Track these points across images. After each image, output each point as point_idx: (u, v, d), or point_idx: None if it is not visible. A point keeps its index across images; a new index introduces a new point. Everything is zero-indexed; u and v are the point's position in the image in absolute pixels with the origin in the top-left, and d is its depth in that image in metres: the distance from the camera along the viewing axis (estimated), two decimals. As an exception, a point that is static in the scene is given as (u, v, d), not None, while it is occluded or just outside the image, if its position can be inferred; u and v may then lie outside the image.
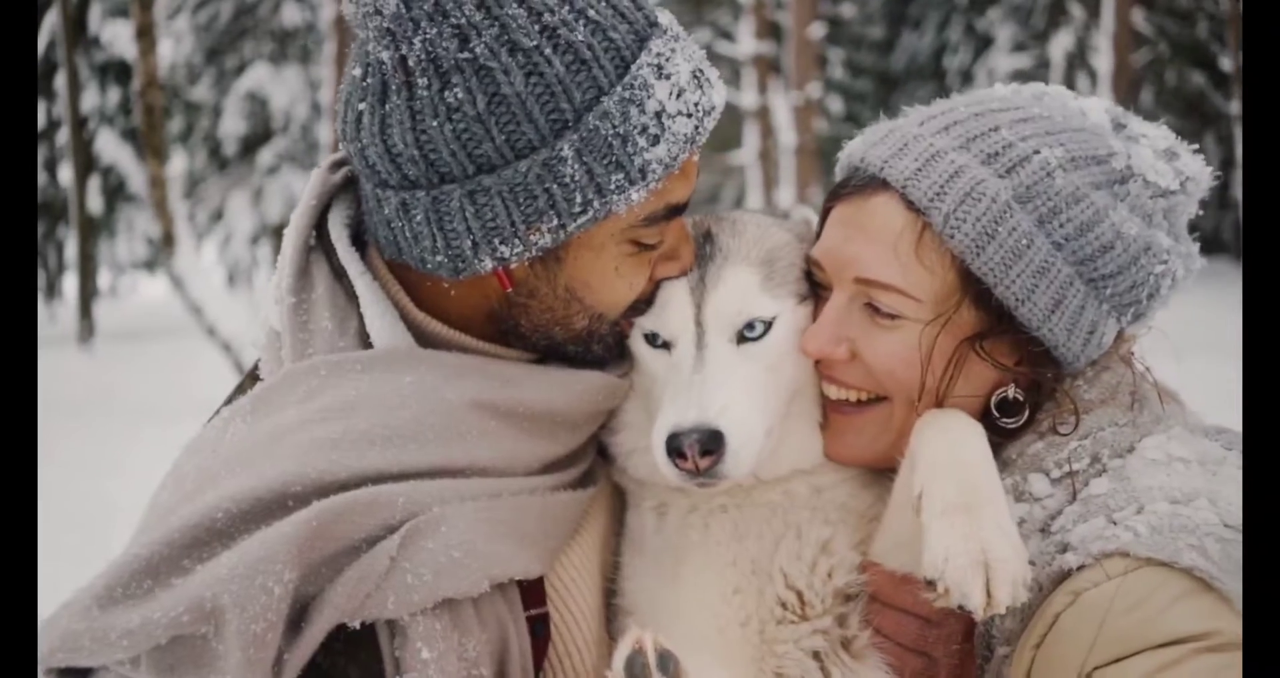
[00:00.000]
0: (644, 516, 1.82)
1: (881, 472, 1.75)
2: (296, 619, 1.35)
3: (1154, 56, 21.66)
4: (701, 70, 1.61)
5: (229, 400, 1.66)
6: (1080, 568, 1.48)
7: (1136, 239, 1.67)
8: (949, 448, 1.54)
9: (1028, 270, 1.63)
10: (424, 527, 1.44)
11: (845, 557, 1.71)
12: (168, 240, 12.61)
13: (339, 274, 1.67)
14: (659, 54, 1.56)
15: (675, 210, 1.65)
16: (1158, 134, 1.76)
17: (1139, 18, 19.95)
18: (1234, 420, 1.71)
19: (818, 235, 1.83)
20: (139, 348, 21.85)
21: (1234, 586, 1.42)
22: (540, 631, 1.60)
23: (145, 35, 13.63)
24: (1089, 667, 1.43)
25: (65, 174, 23.01)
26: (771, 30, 20.34)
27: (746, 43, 19.80)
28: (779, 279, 1.77)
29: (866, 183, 1.73)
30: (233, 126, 28.51)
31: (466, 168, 1.51)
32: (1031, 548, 1.56)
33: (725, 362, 1.70)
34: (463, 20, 1.47)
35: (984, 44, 24.88)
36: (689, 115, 1.57)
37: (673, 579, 1.72)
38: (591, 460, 1.81)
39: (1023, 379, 1.70)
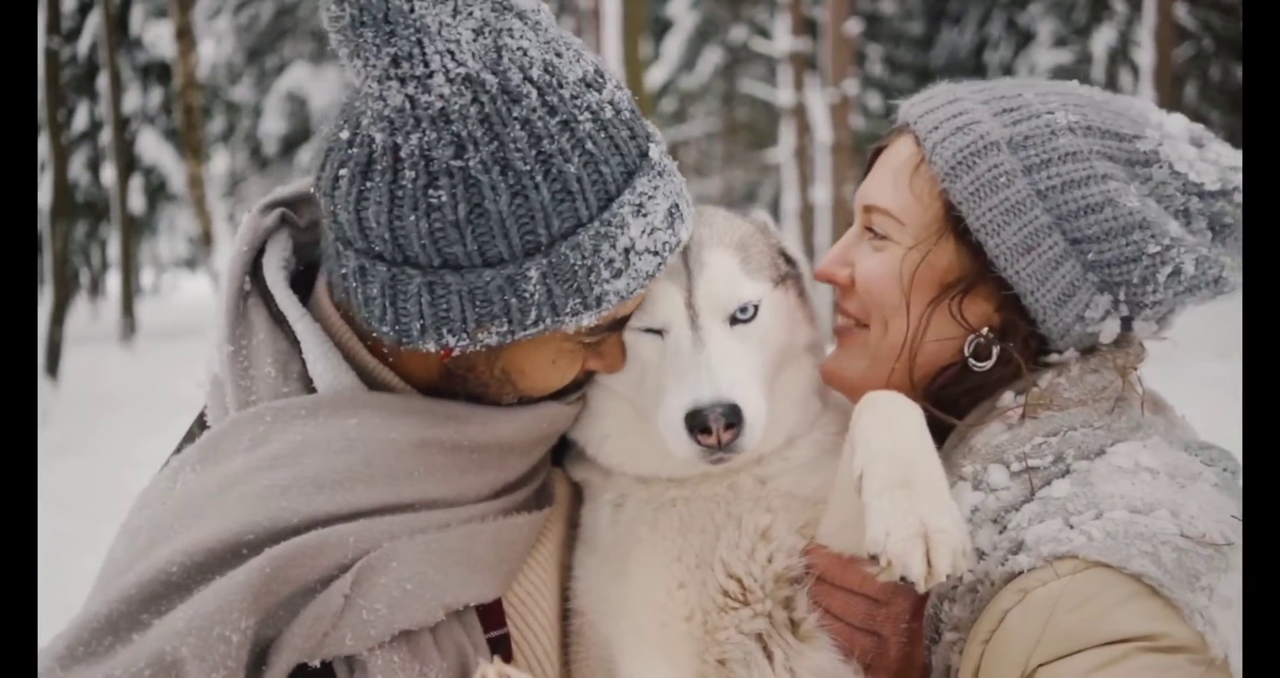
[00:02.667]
0: (600, 510, 1.84)
1: (827, 457, 1.81)
2: (257, 663, 1.37)
3: (1197, 52, 21.35)
4: (678, 206, 1.64)
5: (178, 449, 1.66)
6: (1031, 568, 1.49)
7: (1134, 212, 1.66)
8: (887, 429, 1.57)
9: (1001, 206, 1.67)
10: (375, 563, 1.46)
11: (785, 541, 1.74)
12: (206, 239, 12.79)
13: (279, 320, 1.68)
14: (642, 192, 1.58)
15: (620, 323, 1.71)
16: (1225, 150, 1.73)
17: (1182, 12, 19.69)
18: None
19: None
20: (180, 345, 22.11)
21: (1183, 594, 1.42)
22: (500, 650, 1.62)
23: (184, 36, 13.83)
24: (1033, 663, 1.44)
25: (108, 174, 23.31)
26: (808, 27, 20.24)
27: (783, 40, 19.71)
28: (755, 264, 1.81)
29: (897, 129, 1.84)
30: (273, 126, 28.82)
31: (433, 260, 1.52)
32: (982, 538, 1.58)
33: (723, 342, 1.73)
34: (464, 132, 1.47)
35: (1025, 39, 24.64)
36: (655, 253, 1.60)
37: (620, 577, 1.74)
38: (545, 478, 1.84)
39: (996, 327, 1.74)
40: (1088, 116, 1.70)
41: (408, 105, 1.47)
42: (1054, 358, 1.73)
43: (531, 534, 1.73)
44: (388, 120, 1.49)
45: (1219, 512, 1.54)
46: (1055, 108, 1.71)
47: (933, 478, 1.50)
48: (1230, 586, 1.45)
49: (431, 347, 1.58)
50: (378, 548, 1.47)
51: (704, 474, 1.79)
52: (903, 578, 1.41)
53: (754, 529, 1.75)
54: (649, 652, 1.69)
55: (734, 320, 1.76)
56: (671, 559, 1.74)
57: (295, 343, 1.65)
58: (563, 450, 1.91)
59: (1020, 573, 1.50)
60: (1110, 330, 1.72)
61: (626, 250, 1.56)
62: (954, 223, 1.72)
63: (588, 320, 1.58)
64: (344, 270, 1.60)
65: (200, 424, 1.71)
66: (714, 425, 1.62)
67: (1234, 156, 1.72)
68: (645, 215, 1.58)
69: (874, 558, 1.43)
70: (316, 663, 1.41)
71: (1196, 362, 11.08)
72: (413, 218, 1.50)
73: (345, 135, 1.55)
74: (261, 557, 1.39)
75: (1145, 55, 15.61)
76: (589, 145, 1.53)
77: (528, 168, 1.49)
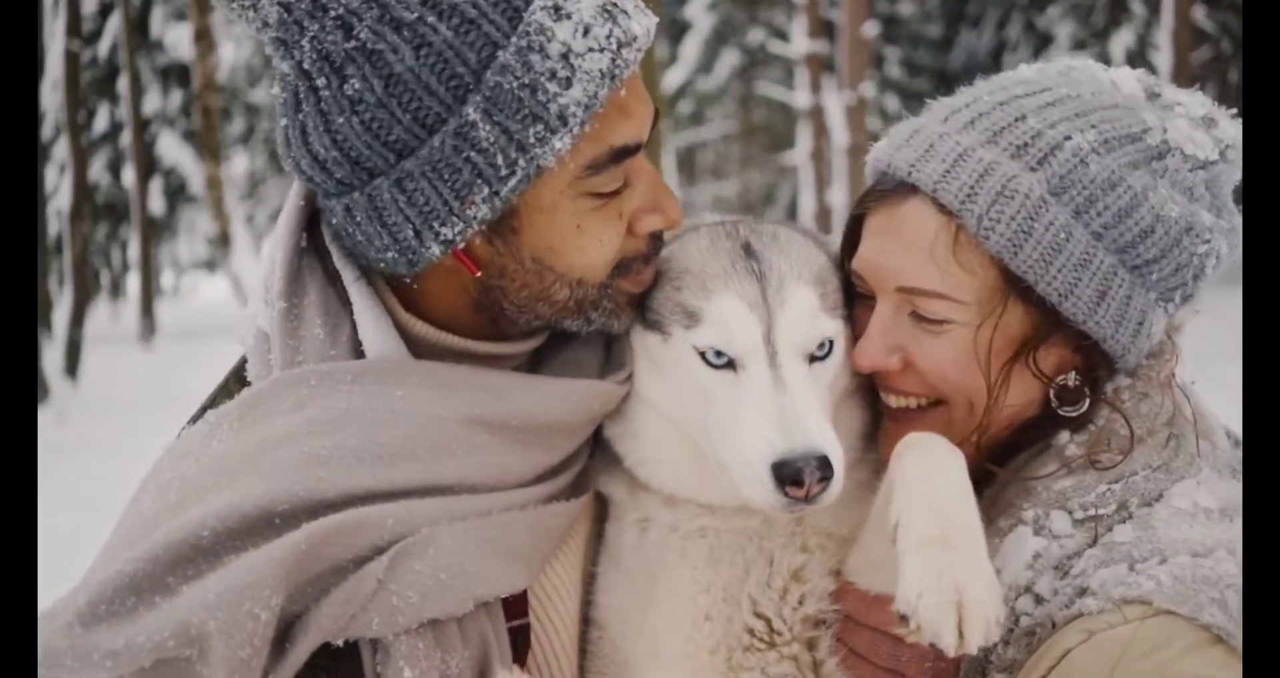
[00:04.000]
0: (625, 529, 1.78)
1: (864, 492, 1.72)
2: (280, 639, 1.34)
3: (1216, 54, 21.19)
4: (614, 2, 1.51)
5: (213, 401, 1.64)
6: (1101, 611, 1.47)
7: (1178, 220, 1.62)
8: (928, 477, 1.50)
9: (1069, 264, 1.59)
10: (412, 549, 1.43)
11: (818, 584, 1.68)
12: (224, 240, 12.86)
13: (332, 279, 1.63)
14: None
15: (623, 152, 1.56)
16: (1193, 101, 1.70)
17: (1200, 15, 19.56)
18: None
19: (847, 243, 1.80)
20: (199, 346, 22.20)
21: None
22: (520, 641, 1.59)
23: (203, 38, 13.90)
24: None
25: (128, 176, 23.45)
26: (825, 29, 20.20)
27: (800, 42, 19.68)
28: (832, 300, 1.73)
29: (895, 188, 1.70)
30: (292, 128, 28.86)
31: (386, 157, 1.47)
32: (1044, 585, 1.55)
33: (804, 384, 1.64)
34: (341, 10, 1.44)
35: (1044, 42, 24.49)
36: (601, 51, 1.47)
37: (646, 601, 1.70)
38: (584, 464, 1.77)
39: (1081, 367, 1.67)
40: (1100, 129, 1.63)
41: (284, 13, 1.46)
42: (1106, 391, 1.68)
43: (567, 523, 1.68)
44: (281, 43, 1.48)
45: None
46: (1069, 130, 1.62)
47: (972, 537, 1.44)
48: None
49: (434, 249, 1.52)
50: (415, 532, 1.44)
51: (724, 505, 1.73)
52: (931, 644, 1.36)
53: (787, 569, 1.69)
54: None
55: (811, 358, 1.68)
56: (699, 590, 1.69)
57: (346, 304, 1.61)
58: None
59: (1085, 615, 1.47)
60: (1159, 332, 1.70)
61: (564, 55, 1.45)
62: (1016, 285, 1.62)
63: (560, 144, 1.46)
64: (339, 225, 1.58)
65: (238, 379, 1.67)
66: (808, 479, 1.53)
67: (1196, 103, 1.70)
68: (568, 16, 1.46)
69: (904, 618, 1.38)
70: (340, 642, 1.39)
71: (1211, 364, 11.01)
72: (343, 121, 1.46)
73: (275, 89, 1.55)
74: (298, 532, 1.36)
75: (1163, 58, 15.52)
76: None
77: (415, 14, 1.43)
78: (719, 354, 1.66)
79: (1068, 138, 1.61)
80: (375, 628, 1.40)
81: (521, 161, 1.46)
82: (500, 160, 1.46)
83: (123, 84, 21.21)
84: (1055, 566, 1.56)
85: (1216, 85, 21.65)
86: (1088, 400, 1.66)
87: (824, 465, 1.54)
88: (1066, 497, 1.61)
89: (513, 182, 1.48)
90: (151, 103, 24.15)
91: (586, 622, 1.75)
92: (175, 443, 1.56)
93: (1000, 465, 1.71)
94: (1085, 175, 1.60)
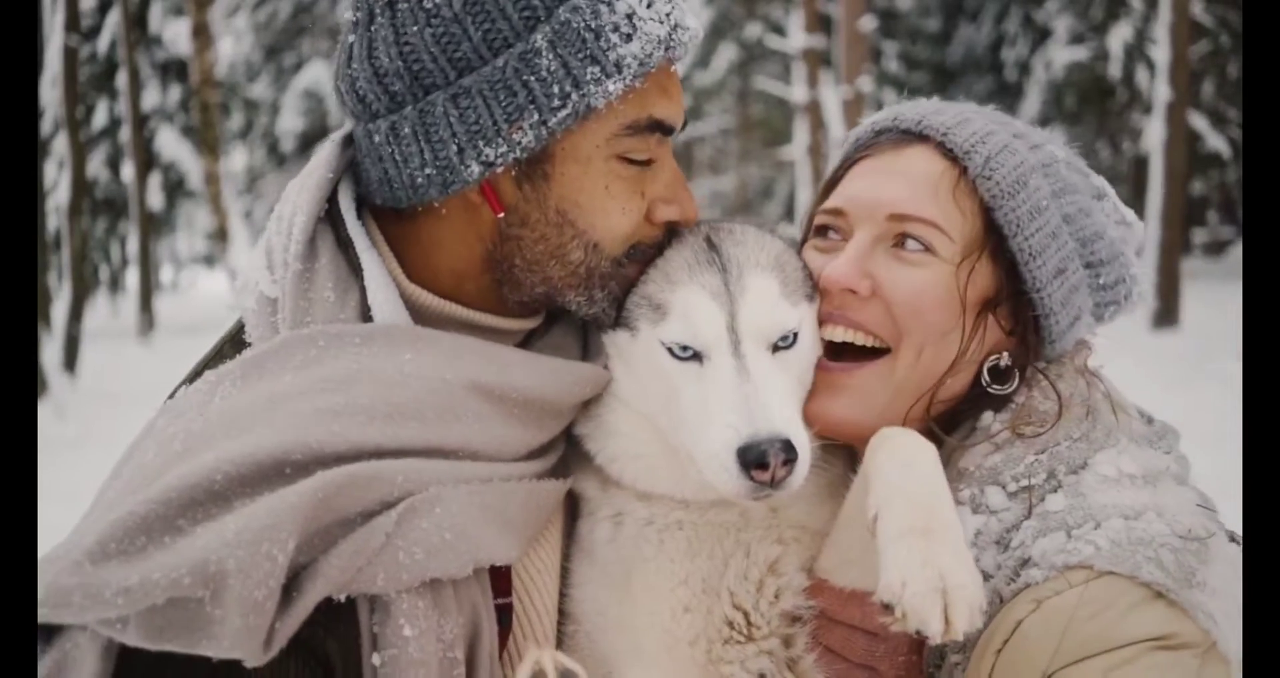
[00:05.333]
0: (598, 525, 1.79)
1: (836, 488, 1.75)
2: (287, 589, 1.34)
3: (1214, 48, 21.19)
4: None
5: (205, 365, 1.65)
6: (1045, 579, 1.52)
7: (1115, 241, 1.77)
8: (904, 469, 1.52)
9: (1043, 231, 1.70)
10: (420, 506, 1.45)
11: (793, 579, 1.70)
12: (222, 235, 12.85)
13: (344, 245, 1.68)
14: None
15: (659, 126, 1.66)
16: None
17: (1199, 8, 19.54)
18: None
19: (829, 187, 1.86)
20: (197, 341, 22.18)
21: (1187, 595, 1.46)
22: (504, 620, 1.61)
23: (201, 34, 13.88)
24: (1053, 668, 1.46)
25: (127, 171, 23.45)
26: (822, 24, 20.20)
27: (797, 36, 19.68)
28: (792, 286, 1.75)
29: (900, 137, 1.79)
30: (290, 123, 28.91)
31: (448, 72, 1.57)
32: (987, 560, 1.59)
33: (768, 372, 1.66)
34: None
35: (1042, 36, 24.52)
36: (660, 22, 1.60)
37: (623, 594, 1.71)
38: (563, 451, 1.81)
39: (1013, 349, 1.75)
40: (1064, 151, 1.81)
41: None
42: (1029, 370, 1.76)
43: (555, 502, 1.72)
44: None
45: (1190, 504, 1.60)
46: (1044, 141, 1.79)
47: (952, 527, 1.46)
48: (1215, 575, 1.50)
49: (474, 168, 1.58)
50: (423, 491, 1.46)
51: (697, 500, 1.74)
52: (917, 632, 1.37)
53: (763, 560, 1.71)
54: (654, 673, 1.66)
55: (775, 348, 1.70)
56: (678, 582, 1.71)
57: (357, 272, 1.66)
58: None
59: (1031, 585, 1.52)
60: (1074, 341, 1.79)
61: (629, 15, 1.58)
62: (991, 241, 1.72)
63: (614, 87, 1.57)
64: (379, 150, 1.64)
65: (234, 343, 1.69)
66: (773, 461, 1.55)
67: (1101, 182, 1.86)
68: None
69: (888, 607, 1.39)
70: (341, 598, 1.40)
71: (1212, 361, 11.04)
72: (416, 30, 1.57)
73: (348, 14, 1.64)
74: (314, 479, 1.37)
75: (1161, 52, 15.50)
76: None
77: None
78: (684, 348, 1.69)
79: (1047, 144, 1.80)
80: (380, 584, 1.40)
81: (575, 96, 1.56)
82: (556, 90, 1.55)
83: (121, 79, 21.20)
84: (996, 541, 1.61)
85: (1215, 80, 21.65)
86: (1016, 380, 1.73)
87: (787, 448, 1.56)
88: (998, 471, 1.65)
89: (561, 113, 1.56)
90: (150, 98, 24.15)
91: (562, 615, 1.76)
92: (171, 403, 1.56)
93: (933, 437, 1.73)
94: (1060, 170, 1.75)
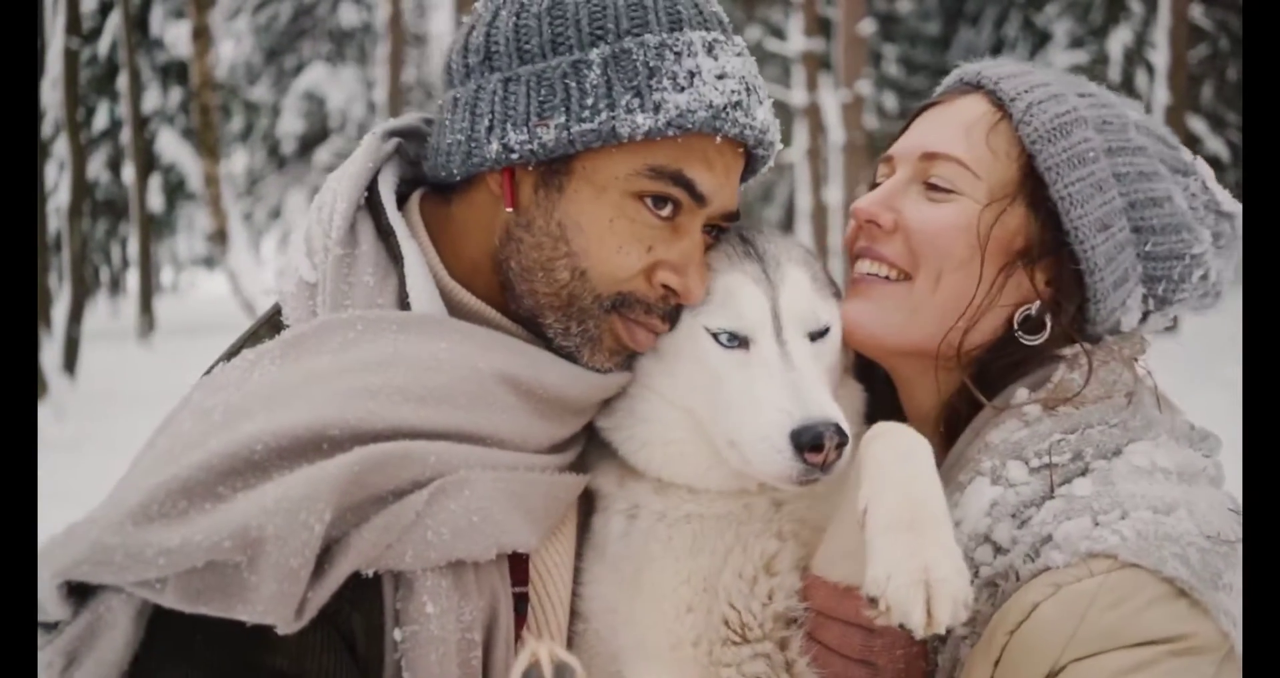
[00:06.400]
0: (612, 519, 1.81)
1: (839, 481, 1.72)
2: (320, 561, 1.36)
3: (1214, 52, 21.21)
4: (755, 86, 1.71)
5: (240, 347, 1.67)
6: (1066, 564, 1.50)
7: (1184, 213, 1.72)
8: (895, 462, 1.52)
9: (1088, 181, 1.68)
10: (450, 487, 1.48)
11: (786, 579, 1.70)
12: (222, 237, 12.87)
13: (384, 234, 1.72)
14: (717, 41, 1.67)
15: (689, 187, 1.66)
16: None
17: (1197, 12, 19.55)
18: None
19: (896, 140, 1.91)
20: (197, 343, 22.24)
21: (1210, 595, 1.44)
22: (520, 608, 1.63)
23: (201, 36, 13.88)
24: (1066, 658, 1.45)
25: (127, 173, 23.45)
26: (821, 27, 20.22)
27: (796, 40, 19.69)
28: (821, 282, 1.81)
29: (960, 88, 1.83)
30: (291, 126, 28.95)
31: (513, 59, 1.66)
32: (1002, 533, 1.58)
33: (809, 359, 1.71)
34: None
35: (1042, 40, 24.54)
36: (721, 93, 1.64)
37: (631, 593, 1.72)
38: (583, 447, 1.83)
39: (1048, 300, 1.73)
40: (1145, 119, 1.76)
41: None
42: (1066, 351, 1.72)
43: (574, 494, 1.75)
44: None
45: (1222, 507, 1.58)
46: (1122, 103, 1.77)
47: (939, 520, 1.46)
48: (1238, 578, 1.49)
49: (494, 148, 1.65)
50: (454, 473, 1.49)
51: (722, 490, 1.76)
52: (900, 625, 1.38)
53: (759, 556, 1.71)
54: (659, 673, 1.67)
55: (812, 337, 1.74)
56: (680, 581, 1.71)
57: (396, 259, 1.70)
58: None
59: (1051, 568, 1.50)
60: (1130, 321, 1.75)
61: (692, 74, 1.63)
62: (1030, 188, 1.71)
63: (644, 122, 1.60)
64: (442, 119, 1.74)
65: (270, 326, 1.72)
66: (828, 443, 1.59)
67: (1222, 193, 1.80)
68: (716, 58, 1.66)
69: (873, 600, 1.40)
70: (369, 574, 1.43)
71: (1212, 366, 11.03)
72: (506, 15, 1.68)
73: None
74: (352, 455, 1.40)
75: (1161, 56, 15.51)
76: None
77: None
78: (730, 336, 1.72)
79: (1121, 106, 1.77)
80: (408, 561, 1.44)
81: (605, 116, 1.61)
82: (590, 103, 1.62)
83: (122, 82, 21.19)
84: (1012, 513, 1.59)
85: (1214, 83, 21.68)
86: (1047, 332, 1.72)
87: (839, 432, 1.60)
88: (1022, 446, 1.64)
89: (587, 126, 1.62)
90: (151, 100, 24.19)
91: (573, 614, 1.78)
92: (209, 377, 1.59)
93: (967, 415, 1.75)
94: (1125, 133, 1.73)
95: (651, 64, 1.61)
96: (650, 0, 1.65)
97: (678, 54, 1.63)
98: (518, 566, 1.64)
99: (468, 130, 1.67)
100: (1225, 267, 1.78)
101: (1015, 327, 1.73)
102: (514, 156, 1.64)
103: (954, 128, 1.77)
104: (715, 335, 1.73)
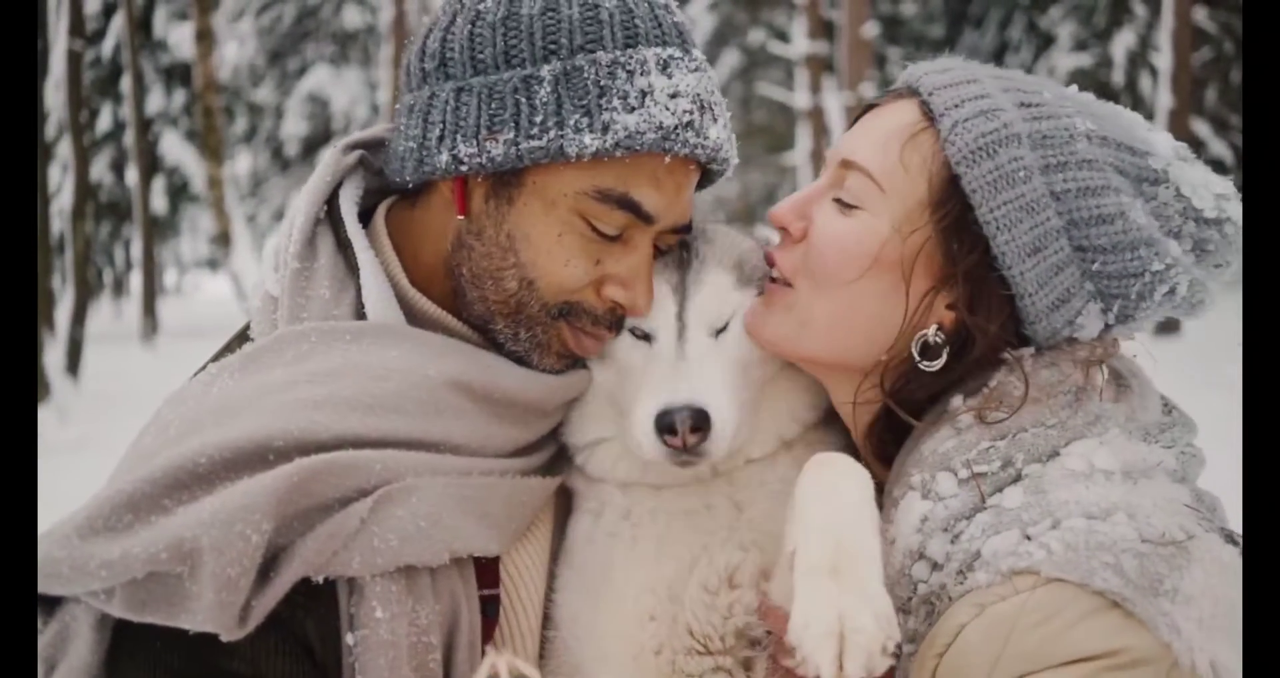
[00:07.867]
0: (580, 518, 1.84)
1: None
2: (265, 569, 1.40)
3: (1217, 55, 21.19)
4: (710, 104, 1.69)
5: (216, 359, 1.70)
6: (990, 584, 1.45)
7: (1142, 229, 1.61)
8: (826, 499, 1.49)
9: (1016, 202, 1.59)
10: (396, 494, 1.50)
11: (745, 595, 1.70)
12: (225, 239, 12.88)
13: (343, 246, 1.74)
14: (672, 58, 1.66)
15: (635, 209, 1.67)
16: (1216, 178, 1.68)
17: (1201, 15, 19.54)
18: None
19: None
20: (200, 345, 22.14)
21: (1146, 605, 1.38)
22: (491, 611, 1.65)
23: (204, 38, 13.91)
24: None
25: (131, 175, 23.48)
26: (825, 30, 20.21)
27: (800, 42, 19.69)
28: (746, 278, 1.85)
29: (902, 91, 1.76)
30: (294, 128, 28.98)
31: (466, 68, 1.66)
32: (934, 547, 1.53)
33: (704, 352, 1.77)
34: None
35: (1046, 42, 24.52)
36: (672, 113, 1.63)
37: (595, 600, 1.74)
38: (556, 449, 1.86)
39: (947, 327, 1.66)
40: (1104, 127, 1.65)
41: None
42: (1006, 354, 1.64)
43: (542, 498, 1.76)
44: None
45: (1173, 504, 1.51)
46: (1073, 113, 1.65)
47: (862, 564, 1.40)
48: (1192, 581, 1.42)
49: (444, 159, 1.65)
50: (400, 480, 1.51)
51: (681, 487, 1.79)
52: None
53: (724, 567, 1.72)
54: None
55: (717, 332, 1.80)
56: (644, 589, 1.73)
57: (353, 271, 1.71)
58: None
59: (976, 588, 1.45)
60: (1090, 333, 1.66)
61: (644, 93, 1.63)
62: (955, 209, 1.62)
63: (591, 142, 1.61)
64: (400, 125, 1.74)
65: (241, 340, 1.75)
66: (680, 427, 1.65)
67: (1221, 184, 1.67)
68: (670, 76, 1.65)
69: (792, 649, 1.35)
70: (320, 580, 1.45)
71: (1213, 367, 11.02)
72: (461, 23, 1.68)
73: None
74: (291, 465, 1.43)
75: (1164, 59, 15.50)
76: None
77: None
78: (641, 331, 1.81)
79: (1070, 116, 1.65)
80: (355, 567, 1.46)
81: (553, 133, 1.61)
82: (538, 120, 1.62)
83: (126, 84, 21.22)
84: (944, 528, 1.54)
85: (1218, 86, 21.65)
86: (944, 357, 1.65)
87: (699, 417, 1.65)
88: (950, 457, 1.58)
89: (534, 143, 1.62)
90: (154, 102, 24.22)
91: (547, 620, 1.79)
92: (177, 392, 1.63)
93: (899, 438, 1.70)
94: (1069, 147, 1.62)
95: (603, 83, 1.61)
96: (606, 14, 1.64)
97: (630, 72, 1.62)
98: (488, 569, 1.65)
99: (419, 138, 1.68)
100: (1210, 275, 1.67)
101: (914, 352, 1.67)
102: (463, 168, 1.65)
103: (876, 135, 1.71)
104: (631, 330, 1.81)
